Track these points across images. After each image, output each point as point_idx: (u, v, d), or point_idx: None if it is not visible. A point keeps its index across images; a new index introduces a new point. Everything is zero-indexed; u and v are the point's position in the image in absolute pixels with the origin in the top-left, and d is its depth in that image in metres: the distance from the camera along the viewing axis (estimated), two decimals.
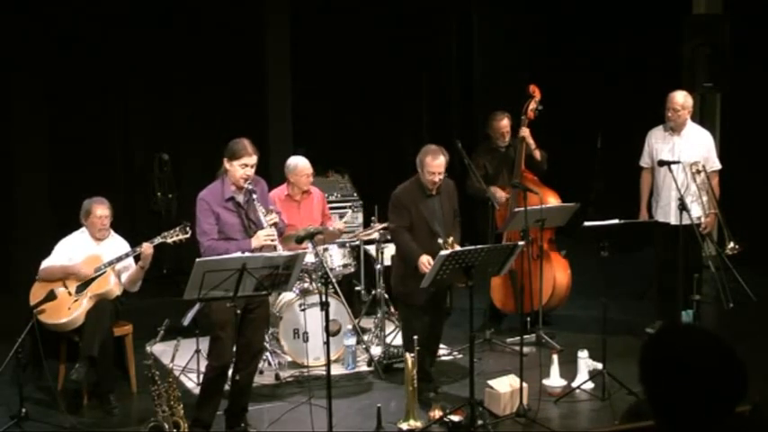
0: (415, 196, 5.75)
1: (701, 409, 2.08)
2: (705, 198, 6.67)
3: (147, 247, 5.75)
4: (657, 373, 2.14)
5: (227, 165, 5.09)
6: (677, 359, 2.11)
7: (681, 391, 2.08)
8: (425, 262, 5.49)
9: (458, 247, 5.45)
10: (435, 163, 5.66)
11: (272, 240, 5.06)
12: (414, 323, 5.80)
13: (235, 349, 5.26)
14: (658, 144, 6.82)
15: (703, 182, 6.65)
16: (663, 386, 2.12)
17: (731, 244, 6.63)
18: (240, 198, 5.14)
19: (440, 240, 5.51)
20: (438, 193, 5.79)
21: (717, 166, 6.84)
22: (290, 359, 6.37)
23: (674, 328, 2.26)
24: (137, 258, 5.84)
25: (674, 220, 6.60)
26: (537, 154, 7.10)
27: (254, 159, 5.07)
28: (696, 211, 6.61)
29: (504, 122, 7.17)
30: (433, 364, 6.03)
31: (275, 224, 5.12)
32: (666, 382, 2.11)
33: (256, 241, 5.04)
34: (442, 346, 6.80)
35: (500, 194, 6.95)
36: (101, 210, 5.91)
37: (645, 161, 6.96)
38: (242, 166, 5.03)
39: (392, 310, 7.02)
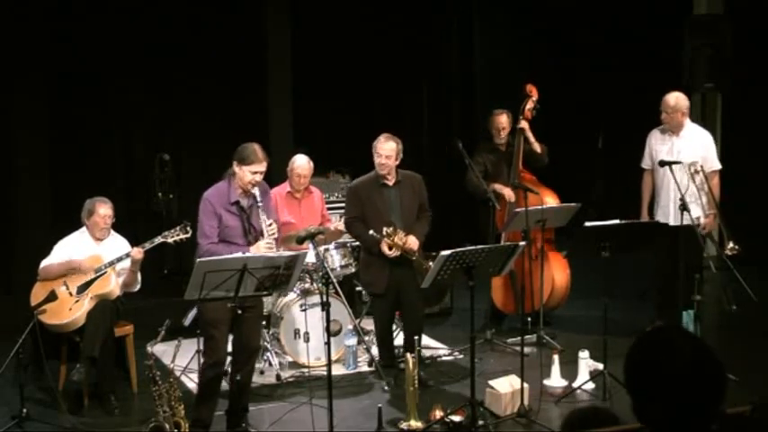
0: (369, 187, 6.09)
1: (680, 414, 2.08)
2: (704, 198, 6.65)
3: (136, 253, 5.76)
4: (638, 380, 2.16)
5: (236, 168, 5.07)
6: (652, 365, 2.13)
7: (659, 396, 2.09)
8: (387, 250, 5.92)
9: (406, 238, 5.89)
10: (382, 146, 6.05)
11: (271, 250, 5.05)
12: (376, 310, 6.30)
13: (232, 349, 5.27)
14: (658, 145, 6.81)
15: (702, 182, 6.63)
16: (643, 392, 2.13)
17: (730, 244, 6.58)
18: (245, 202, 5.14)
19: (384, 229, 5.84)
20: (397, 184, 6.06)
21: (716, 166, 6.79)
22: (290, 359, 6.37)
23: (653, 335, 2.27)
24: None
25: (673, 221, 6.59)
26: (537, 147, 7.10)
27: (263, 166, 5.07)
28: (695, 211, 6.58)
29: (502, 118, 7.15)
30: (419, 354, 6.09)
31: (275, 236, 5.11)
32: (646, 388, 2.12)
33: (255, 251, 5.03)
34: (443, 346, 6.84)
35: (507, 192, 6.94)
36: (104, 209, 5.92)
37: (645, 162, 6.95)
38: (251, 173, 5.03)
39: None
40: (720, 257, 7.43)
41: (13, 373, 5.58)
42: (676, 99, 6.69)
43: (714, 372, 2.09)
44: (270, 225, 5.07)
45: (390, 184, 6.09)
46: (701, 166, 6.63)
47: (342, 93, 9.33)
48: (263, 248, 5.02)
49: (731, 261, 7.07)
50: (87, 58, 8.24)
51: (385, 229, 5.86)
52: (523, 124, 7.02)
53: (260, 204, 5.06)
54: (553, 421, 5.45)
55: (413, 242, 5.99)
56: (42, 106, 8.20)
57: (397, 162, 6.10)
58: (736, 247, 6.53)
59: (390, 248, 5.94)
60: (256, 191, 5.07)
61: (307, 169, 6.76)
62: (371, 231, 5.93)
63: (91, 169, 8.31)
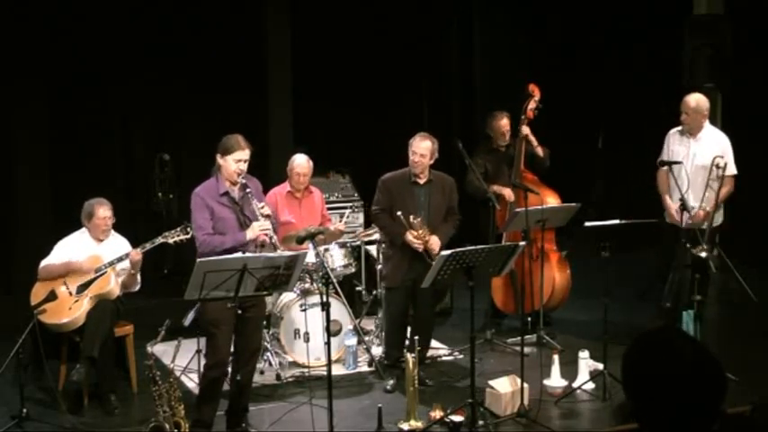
0: (400, 183, 6.04)
1: (680, 415, 2.08)
2: (708, 193, 6.53)
3: (134, 254, 5.76)
4: (637, 381, 2.16)
5: (220, 160, 5.12)
6: (652, 366, 2.13)
7: (660, 397, 2.09)
8: (412, 239, 5.85)
9: (429, 237, 5.86)
10: (418, 145, 5.98)
11: (266, 232, 5.06)
12: (388, 304, 6.24)
13: (234, 349, 5.27)
14: (675, 146, 6.68)
15: (716, 178, 6.42)
16: (643, 393, 2.13)
17: (704, 246, 6.39)
18: (235, 194, 5.15)
19: (411, 216, 5.81)
20: (428, 184, 6.01)
21: (731, 171, 6.57)
22: (290, 359, 6.37)
23: (651, 336, 2.27)
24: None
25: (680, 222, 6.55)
26: (539, 151, 7.11)
27: (247, 154, 5.09)
28: (694, 202, 6.49)
29: (504, 121, 7.20)
30: (424, 356, 6.08)
31: (268, 216, 5.13)
32: (645, 389, 2.12)
33: (251, 232, 5.05)
34: (443, 346, 6.83)
35: (507, 192, 6.94)
36: (103, 211, 5.91)
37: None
38: (235, 161, 5.06)
39: None
40: (721, 258, 7.41)
41: (13, 373, 5.59)
42: (697, 101, 6.56)
43: (714, 372, 2.09)
44: (261, 207, 5.09)
45: (421, 182, 6.05)
46: (725, 163, 6.42)
47: (341, 93, 9.31)
48: (257, 229, 5.04)
49: (732, 261, 7.05)
50: (87, 58, 8.24)
51: (412, 216, 5.82)
52: (526, 130, 7.02)
53: (249, 190, 5.08)
54: (553, 421, 5.46)
55: (435, 242, 5.92)
56: (42, 106, 8.20)
57: (432, 161, 6.07)
58: (711, 254, 6.33)
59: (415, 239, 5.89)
60: (243, 180, 5.09)
61: (306, 168, 6.76)
62: (399, 212, 5.86)
63: (91, 169, 8.31)
